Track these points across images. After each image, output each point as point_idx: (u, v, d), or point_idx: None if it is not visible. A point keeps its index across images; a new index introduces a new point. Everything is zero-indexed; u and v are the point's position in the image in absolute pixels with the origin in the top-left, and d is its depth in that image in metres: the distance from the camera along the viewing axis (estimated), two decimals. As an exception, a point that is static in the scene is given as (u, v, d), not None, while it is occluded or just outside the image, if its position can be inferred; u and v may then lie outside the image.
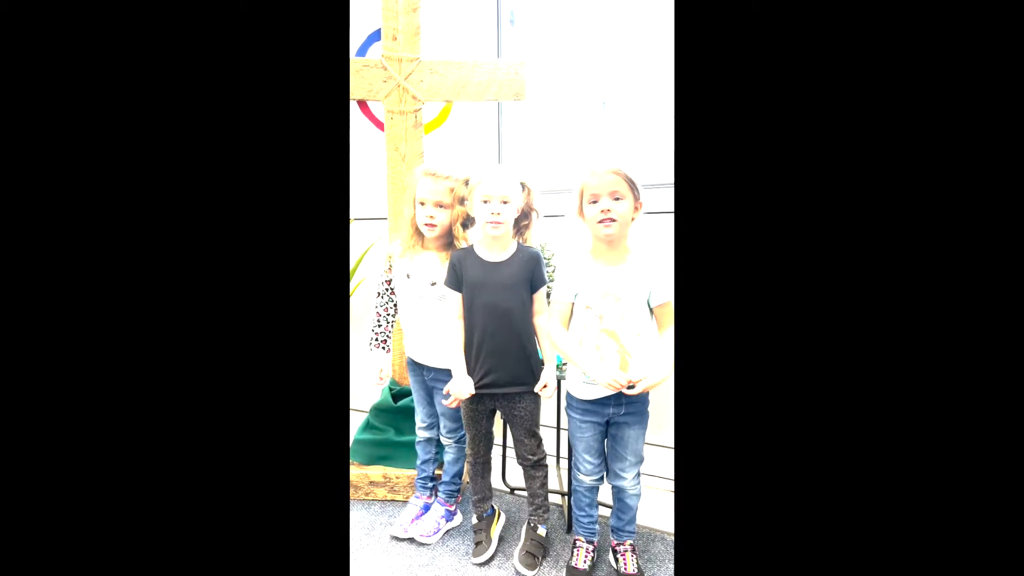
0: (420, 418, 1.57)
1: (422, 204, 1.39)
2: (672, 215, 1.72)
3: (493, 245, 1.32)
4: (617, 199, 1.16)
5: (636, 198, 1.18)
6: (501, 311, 1.29)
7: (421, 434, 1.58)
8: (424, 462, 1.59)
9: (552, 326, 1.28)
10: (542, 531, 1.42)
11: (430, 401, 1.54)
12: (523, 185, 1.33)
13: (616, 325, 1.21)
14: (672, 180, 1.82)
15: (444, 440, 1.56)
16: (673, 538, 1.50)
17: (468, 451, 1.45)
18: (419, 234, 1.43)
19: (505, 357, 1.30)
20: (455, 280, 1.34)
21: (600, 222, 1.18)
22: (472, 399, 1.35)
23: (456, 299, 1.35)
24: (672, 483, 1.79)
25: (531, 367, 1.33)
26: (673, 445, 1.78)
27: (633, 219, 1.20)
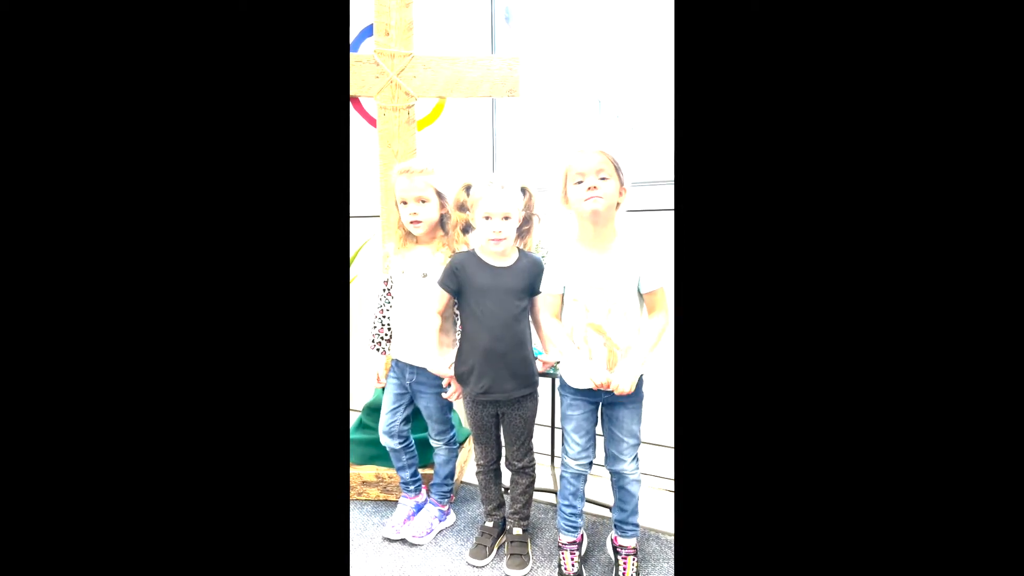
0: (384, 425, 1.50)
1: (404, 203, 1.38)
2: (668, 212, 1.71)
3: (496, 253, 1.31)
4: (603, 178, 1.14)
5: (622, 183, 1.16)
6: (505, 318, 1.28)
7: (386, 441, 1.51)
8: (400, 469, 1.56)
9: (543, 318, 1.27)
10: (517, 531, 1.42)
11: (400, 408, 1.50)
12: (524, 190, 1.31)
13: (603, 318, 1.19)
14: (667, 178, 1.81)
15: (433, 442, 1.54)
16: (671, 537, 1.48)
17: (479, 459, 1.45)
18: (409, 233, 1.43)
19: (507, 363, 1.30)
20: (452, 282, 1.32)
21: (587, 199, 1.15)
22: (474, 406, 1.36)
23: (440, 297, 1.35)
24: (669, 482, 1.78)
25: (531, 371, 1.34)
26: (672, 445, 1.77)
27: (619, 204, 1.18)
